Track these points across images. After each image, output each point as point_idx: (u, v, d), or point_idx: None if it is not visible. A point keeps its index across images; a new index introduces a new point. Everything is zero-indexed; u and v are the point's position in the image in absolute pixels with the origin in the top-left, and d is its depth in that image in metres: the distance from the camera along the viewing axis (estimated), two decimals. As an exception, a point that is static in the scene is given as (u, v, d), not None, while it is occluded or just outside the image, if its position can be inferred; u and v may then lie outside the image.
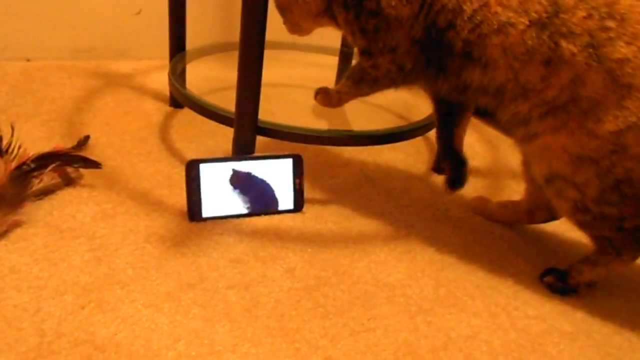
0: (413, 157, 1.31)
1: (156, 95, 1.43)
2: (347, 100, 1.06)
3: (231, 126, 1.01)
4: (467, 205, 1.12)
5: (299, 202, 1.02)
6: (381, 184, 1.16)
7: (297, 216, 1.01)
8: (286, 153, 1.00)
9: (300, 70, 1.55)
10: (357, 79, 1.01)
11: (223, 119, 1.02)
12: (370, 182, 1.17)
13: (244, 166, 0.97)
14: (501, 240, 1.03)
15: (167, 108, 1.37)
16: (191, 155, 1.16)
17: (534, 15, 0.78)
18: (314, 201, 1.05)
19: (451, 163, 1.09)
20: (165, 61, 1.33)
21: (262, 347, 0.72)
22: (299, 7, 0.98)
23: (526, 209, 1.04)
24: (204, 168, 0.94)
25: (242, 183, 0.97)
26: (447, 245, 0.99)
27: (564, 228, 1.09)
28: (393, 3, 0.86)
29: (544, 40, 0.78)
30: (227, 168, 0.96)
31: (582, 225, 0.87)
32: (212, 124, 1.31)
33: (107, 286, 0.78)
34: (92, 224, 0.90)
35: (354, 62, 1.25)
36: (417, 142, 1.39)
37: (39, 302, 0.74)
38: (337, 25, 0.98)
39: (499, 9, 0.80)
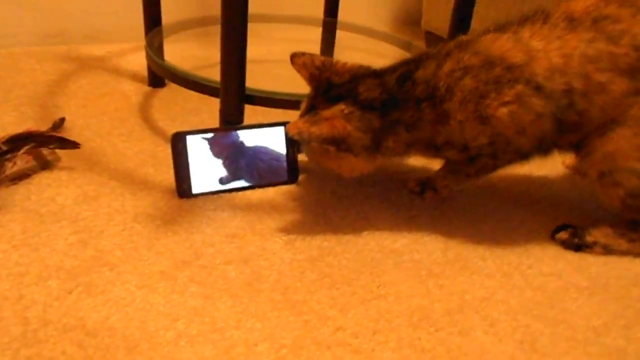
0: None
1: (133, 76, 1.36)
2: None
3: (216, 96, 0.95)
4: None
5: (294, 174, 0.96)
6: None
7: (292, 188, 0.95)
8: (278, 121, 0.94)
9: (282, 45, 1.49)
10: (473, 173, 0.93)
11: (208, 89, 0.96)
12: (365, 151, 1.11)
13: (234, 137, 0.91)
14: (506, 201, 0.99)
15: (146, 88, 1.30)
16: (175, 133, 1.10)
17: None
18: (308, 171, 1.00)
19: None
20: (140, 43, 1.25)
21: (267, 322, 0.67)
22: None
23: None
24: (191, 140, 0.88)
25: (231, 154, 0.91)
26: (452, 208, 0.95)
27: (566, 186, 1.06)
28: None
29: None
30: (217, 139, 0.90)
31: (630, 210, 0.84)
32: (195, 101, 1.26)
33: (95, 269, 0.72)
34: (74, 206, 0.84)
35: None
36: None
37: (20, 289, 0.67)
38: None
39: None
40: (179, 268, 0.74)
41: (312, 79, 0.86)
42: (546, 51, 0.80)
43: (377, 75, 0.85)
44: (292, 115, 0.95)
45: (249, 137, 0.92)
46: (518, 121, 0.80)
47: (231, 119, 0.93)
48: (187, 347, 0.62)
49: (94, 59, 1.45)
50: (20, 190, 0.86)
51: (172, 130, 1.10)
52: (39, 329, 0.62)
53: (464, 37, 0.86)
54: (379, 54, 1.46)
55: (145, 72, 1.34)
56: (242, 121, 0.95)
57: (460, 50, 0.83)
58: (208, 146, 0.90)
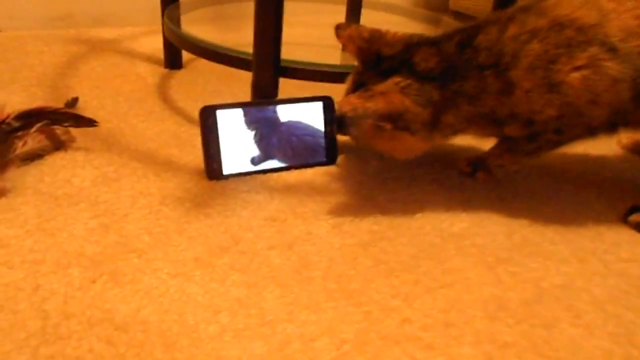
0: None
1: (148, 58, 1.27)
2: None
3: (247, 69, 0.86)
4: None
5: (333, 154, 0.87)
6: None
7: (331, 169, 0.86)
8: (315, 96, 0.85)
9: (305, 26, 1.40)
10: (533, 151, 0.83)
11: (238, 61, 0.87)
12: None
13: (268, 112, 0.82)
14: (566, 182, 0.90)
15: (162, 70, 1.21)
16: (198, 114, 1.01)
17: None
18: (346, 150, 0.91)
19: None
20: (151, 27, 1.17)
21: (323, 314, 0.58)
22: None
23: None
24: (222, 115, 0.79)
25: (265, 131, 0.82)
26: (509, 190, 0.86)
27: (626, 167, 0.97)
28: None
29: None
30: (250, 114, 0.81)
31: None
32: (216, 82, 1.17)
33: (120, 256, 0.63)
34: (93, 188, 0.75)
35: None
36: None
37: (36, 278, 0.58)
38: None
39: None
40: (216, 254, 0.65)
41: (360, 53, 0.77)
42: (619, 12, 0.71)
43: (433, 43, 0.76)
44: (330, 90, 0.87)
45: (284, 113, 0.83)
46: (592, 88, 0.71)
47: (265, 94, 0.83)
48: (233, 342, 0.53)
49: (105, 42, 1.36)
50: (32, 171, 0.77)
51: (194, 111, 1.02)
52: (60, 323, 0.53)
53: (525, 2, 0.77)
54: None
55: (160, 55, 1.25)
56: (276, 96, 0.85)
57: (525, 13, 0.74)
58: (241, 121, 0.81)
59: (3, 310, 0.54)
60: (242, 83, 1.19)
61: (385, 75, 0.73)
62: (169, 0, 1.15)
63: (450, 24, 1.30)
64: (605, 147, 1.01)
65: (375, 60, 0.75)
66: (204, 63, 1.28)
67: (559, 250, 0.72)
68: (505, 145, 0.85)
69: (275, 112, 0.83)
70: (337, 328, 0.56)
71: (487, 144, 0.88)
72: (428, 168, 0.89)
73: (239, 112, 0.81)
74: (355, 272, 0.64)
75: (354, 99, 0.71)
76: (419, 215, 0.77)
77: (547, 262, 0.70)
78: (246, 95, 0.94)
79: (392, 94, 0.70)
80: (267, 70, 0.82)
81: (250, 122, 0.81)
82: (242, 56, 0.86)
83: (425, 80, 0.72)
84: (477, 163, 0.88)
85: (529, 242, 0.73)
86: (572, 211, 0.81)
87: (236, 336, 0.54)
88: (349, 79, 0.78)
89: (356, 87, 0.76)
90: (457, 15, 1.63)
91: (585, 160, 0.97)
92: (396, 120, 0.72)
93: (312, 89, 0.88)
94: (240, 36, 1.08)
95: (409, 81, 0.71)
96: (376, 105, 0.70)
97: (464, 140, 0.92)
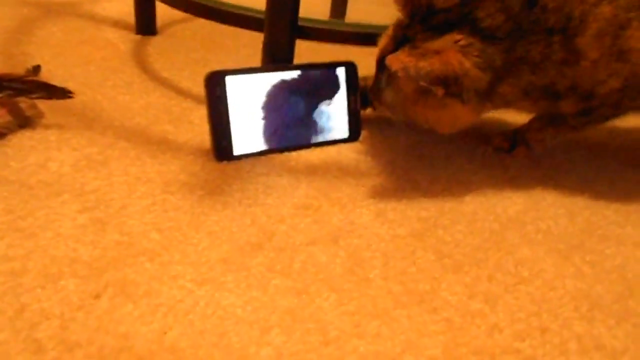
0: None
1: (116, 23, 1.10)
2: None
3: (257, 29, 0.72)
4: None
5: (356, 128, 0.75)
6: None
7: (356, 146, 0.74)
8: (336, 61, 0.73)
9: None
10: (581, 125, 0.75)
11: (247, 20, 0.72)
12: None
13: (284, 79, 0.69)
14: (609, 158, 0.82)
15: (134, 36, 1.05)
16: (187, 84, 0.86)
17: None
18: (368, 127, 0.79)
19: None
20: None
21: (396, 324, 0.46)
22: None
23: None
24: (232, 83, 0.66)
25: (281, 101, 0.69)
26: (555, 166, 0.76)
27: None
28: None
29: None
30: (263, 82, 0.68)
31: None
32: (200, 49, 1.02)
33: (127, 260, 0.49)
34: (76, 174, 0.60)
35: None
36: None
37: (18, 296, 0.44)
38: None
39: None
40: (248, 253, 0.52)
41: (407, 3, 0.65)
42: None
43: None
44: (347, 55, 0.74)
45: (302, 81, 0.70)
46: None
47: (279, 58, 0.70)
48: (295, 370, 0.41)
49: (60, 4, 1.17)
50: (-5, 154, 0.61)
51: (182, 81, 0.88)
52: (60, 358, 0.39)
53: None
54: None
55: (129, 19, 1.08)
56: (292, 60, 0.72)
57: None
58: (253, 90, 0.67)
59: (-23, 343, 0.40)
60: (228, 50, 1.05)
61: (438, 31, 0.62)
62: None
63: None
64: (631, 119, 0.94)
65: (425, 12, 0.63)
66: (181, 28, 1.12)
67: (629, 234, 0.64)
68: (548, 118, 0.76)
69: (292, 79, 0.70)
70: (418, 342, 0.45)
71: (511, 116, 0.78)
72: (460, 143, 0.79)
73: (251, 79, 0.67)
74: (417, 269, 0.53)
75: (404, 56, 0.59)
76: (468, 198, 0.66)
77: (621, 248, 0.61)
78: (237, 64, 0.80)
79: (451, 53, 0.59)
80: (283, 30, 0.69)
81: (264, 92, 0.68)
82: (253, 14, 0.72)
83: (488, 41, 0.61)
84: (514, 138, 0.79)
85: (593, 225, 0.65)
86: (628, 190, 0.73)
87: (297, 361, 0.42)
88: (388, 34, 0.66)
89: (398, 44, 0.64)
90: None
91: (622, 134, 0.90)
92: (449, 85, 0.61)
93: (327, 54, 0.75)
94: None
95: (470, 40, 0.60)
96: (431, 65, 0.58)
97: (490, 115, 0.82)
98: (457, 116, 0.65)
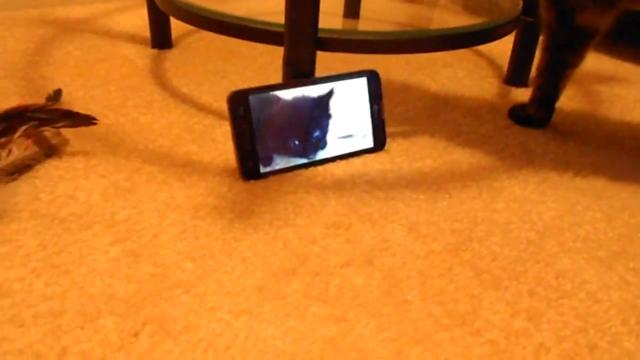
0: (476, 72, 1.05)
1: (130, 38, 1.09)
2: None
3: (277, 43, 0.71)
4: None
5: (380, 138, 0.74)
6: (460, 105, 0.90)
7: (381, 156, 0.73)
8: (357, 71, 0.71)
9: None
10: None
11: (266, 35, 0.71)
12: (446, 105, 0.90)
13: (305, 94, 0.68)
14: (636, 155, 0.80)
15: (151, 50, 1.04)
16: (207, 99, 0.86)
17: None
18: (391, 135, 0.78)
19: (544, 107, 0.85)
20: (126, 2, 0.99)
21: (440, 349, 0.45)
22: None
23: None
24: (254, 101, 0.65)
25: (304, 116, 0.68)
26: (584, 165, 0.75)
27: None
28: None
29: None
30: (285, 98, 0.67)
31: None
32: (217, 61, 1.01)
33: (163, 294, 0.49)
34: (105, 204, 0.60)
35: None
36: (471, 57, 1.13)
37: (58, 338, 0.44)
38: None
39: None
40: (283, 279, 0.51)
41: None
42: None
43: None
44: (367, 63, 0.73)
45: (324, 93, 0.69)
46: None
47: (301, 72, 0.69)
48: (340, 404, 0.40)
49: (75, 21, 1.17)
50: (24, 187, 0.61)
51: (202, 96, 0.87)
52: (106, 403, 0.39)
53: None
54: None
55: (144, 33, 1.08)
56: (313, 74, 0.71)
57: None
58: (276, 107, 0.66)
59: (23, 391, 0.40)
60: (245, 59, 1.04)
61: None
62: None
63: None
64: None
65: None
66: (196, 39, 1.12)
67: (671, 236, 0.62)
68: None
69: (314, 92, 0.69)
70: (464, 368, 0.44)
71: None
72: (489, 148, 0.77)
73: (273, 97, 0.66)
74: (455, 287, 0.52)
75: None
76: (500, 206, 0.65)
77: (664, 252, 0.59)
78: (255, 74, 0.79)
79: None
80: (304, 45, 0.68)
81: (287, 107, 0.67)
82: (270, 28, 0.71)
83: None
84: (523, 109, 0.82)
85: (633, 228, 0.63)
86: (664, 186, 0.71)
87: (341, 394, 0.41)
88: None
89: None
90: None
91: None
92: None
93: (344, 64, 0.74)
94: (240, 6, 0.93)
95: None
96: None
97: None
98: None
